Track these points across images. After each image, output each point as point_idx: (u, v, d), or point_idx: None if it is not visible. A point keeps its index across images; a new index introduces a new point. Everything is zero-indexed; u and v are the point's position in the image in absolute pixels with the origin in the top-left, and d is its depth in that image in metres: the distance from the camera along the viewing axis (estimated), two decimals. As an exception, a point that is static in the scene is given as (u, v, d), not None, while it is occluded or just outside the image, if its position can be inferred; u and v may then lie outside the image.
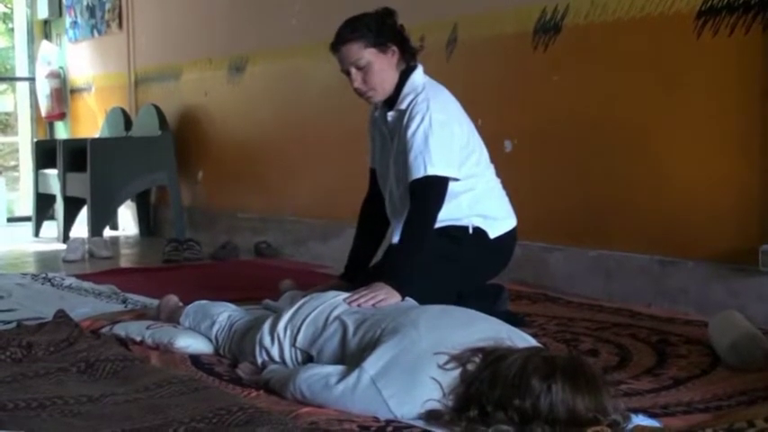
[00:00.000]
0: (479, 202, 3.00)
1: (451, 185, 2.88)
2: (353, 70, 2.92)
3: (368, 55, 2.89)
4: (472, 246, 2.98)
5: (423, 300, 2.59)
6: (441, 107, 2.90)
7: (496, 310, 2.86)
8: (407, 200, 2.89)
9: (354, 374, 2.06)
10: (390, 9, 2.98)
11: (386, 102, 2.99)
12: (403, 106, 2.93)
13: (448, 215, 2.90)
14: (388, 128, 3.01)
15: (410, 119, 2.88)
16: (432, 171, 2.82)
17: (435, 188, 2.85)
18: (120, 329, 2.95)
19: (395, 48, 2.92)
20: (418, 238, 2.82)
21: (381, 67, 2.91)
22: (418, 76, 2.96)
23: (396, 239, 2.96)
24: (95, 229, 5.84)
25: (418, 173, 2.83)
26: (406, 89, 2.94)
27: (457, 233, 2.96)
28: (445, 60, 4.19)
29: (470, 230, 2.98)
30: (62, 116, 7.91)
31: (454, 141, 2.90)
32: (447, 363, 1.97)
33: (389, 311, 2.34)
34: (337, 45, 2.93)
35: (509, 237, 3.08)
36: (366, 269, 3.10)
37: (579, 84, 3.70)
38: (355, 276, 3.04)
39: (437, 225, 2.89)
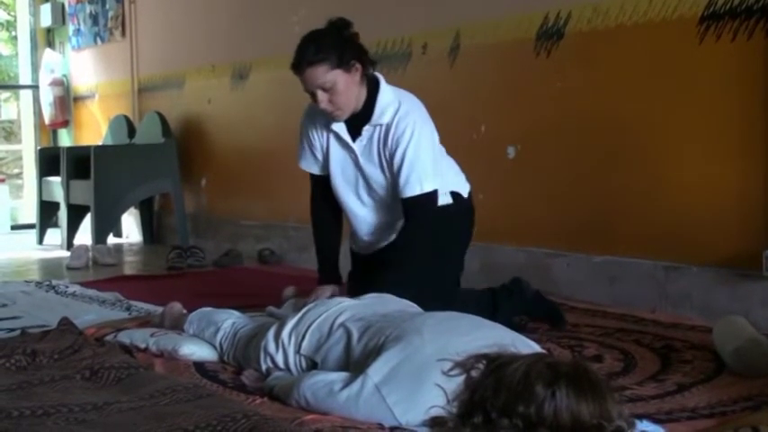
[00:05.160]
0: (452, 177, 3.14)
1: None
2: (319, 92, 2.91)
3: (333, 76, 2.88)
4: (459, 215, 3.13)
5: (444, 283, 2.83)
6: (421, 118, 2.98)
7: (526, 297, 3.09)
8: (391, 209, 3.00)
9: (359, 381, 2.07)
10: (345, 20, 2.96)
11: (354, 115, 2.99)
12: (384, 120, 2.95)
13: None
14: (367, 142, 3.01)
15: (400, 134, 2.93)
16: (427, 188, 2.92)
17: (429, 204, 2.96)
18: (125, 337, 2.95)
19: (358, 64, 2.92)
20: (422, 254, 2.92)
21: (347, 86, 2.91)
22: (387, 88, 3.00)
23: (395, 245, 3.05)
24: (99, 236, 5.85)
25: (413, 191, 2.91)
26: (381, 102, 2.96)
27: (440, 213, 3.03)
28: (448, 68, 4.20)
29: (451, 201, 3.09)
30: (65, 124, 7.92)
31: (436, 148, 3.02)
32: (451, 369, 1.97)
33: (394, 318, 2.34)
34: (301, 67, 2.91)
35: (470, 197, 3.22)
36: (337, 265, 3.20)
37: (582, 89, 3.70)
38: (334, 276, 3.15)
39: None
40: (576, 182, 3.74)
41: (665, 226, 3.42)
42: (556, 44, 3.77)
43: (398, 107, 2.95)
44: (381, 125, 2.96)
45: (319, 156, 3.16)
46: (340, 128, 3.04)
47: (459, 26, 4.18)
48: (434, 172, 2.95)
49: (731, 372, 2.49)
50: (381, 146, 2.98)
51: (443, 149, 3.18)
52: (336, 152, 3.10)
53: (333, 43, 2.89)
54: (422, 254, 2.93)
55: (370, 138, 2.99)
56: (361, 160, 3.03)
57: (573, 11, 3.69)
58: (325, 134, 3.10)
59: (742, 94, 3.17)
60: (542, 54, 3.82)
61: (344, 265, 3.27)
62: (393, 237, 3.09)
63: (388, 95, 2.98)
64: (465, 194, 3.16)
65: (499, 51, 4.02)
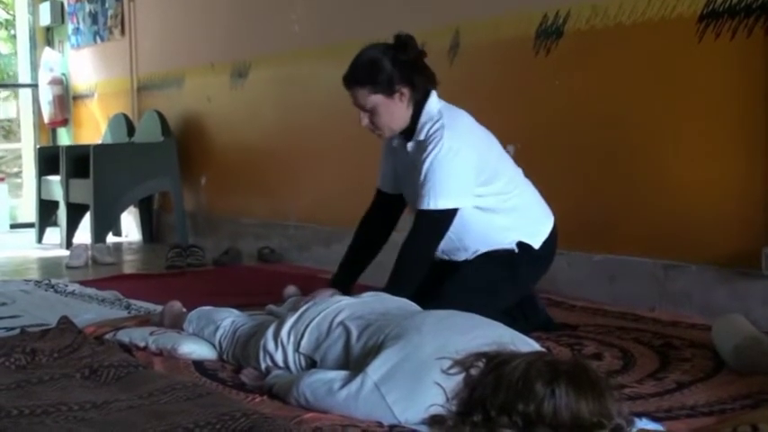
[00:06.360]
0: (526, 224, 3.03)
1: (497, 218, 2.94)
2: (361, 111, 2.93)
3: (374, 100, 2.88)
4: (523, 264, 3.00)
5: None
6: (453, 134, 2.88)
7: (540, 320, 3.03)
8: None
9: (358, 379, 2.07)
10: (406, 38, 2.93)
11: (403, 132, 2.98)
12: (421, 137, 2.92)
13: (496, 244, 2.97)
14: (410, 158, 2.99)
15: (426, 149, 2.88)
16: (433, 205, 2.85)
17: (431, 222, 2.88)
18: (124, 336, 2.95)
19: (404, 89, 2.89)
20: (408, 272, 2.87)
21: (388, 110, 2.90)
22: (433, 104, 2.94)
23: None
24: (98, 235, 5.85)
25: (421, 205, 2.87)
26: (422, 119, 2.93)
27: (505, 256, 2.98)
28: (448, 66, 4.19)
29: (516, 250, 2.99)
30: (65, 123, 7.92)
31: (467, 168, 2.88)
32: (450, 367, 1.97)
33: (393, 317, 2.34)
34: (347, 84, 2.93)
35: (551, 237, 3.10)
36: (355, 280, 3.15)
37: (581, 88, 3.70)
38: (346, 286, 3.06)
39: (485, 250, 2.96)
40: (575, 180, 3.74)
41: (664, 225, 3.42)
42: (555, 43, 3.77)
43: (434, 123, 2.90)
44: (419, 141, 2.94)
45: (389, 170, 3.15)
46: (398, 143, 3.04)
47: (459, 24, 4.18)
48: (456, 192, 2.86)
49: (730, 370, 2.49)
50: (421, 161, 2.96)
51: (530, 187, 3.10)
52: (399, 167, 3.10)
53: (383, 66, 2.87)
54: (410, 268, 2.88)
55: (414, 153, 2.96)
56: (414, 174, 3.00)
57: (572, 9, 3.69)
58: (392, 150, 3.11)
59: (742, 92, 3.17)
60: (541, 53, 3.82)
61: (364, 277, 3.25)
62: (461, 255, 3.01)
63: (431, 111, 2.93)
64: (537, 245, 3.03)
65: (498, 50, 4.02)
